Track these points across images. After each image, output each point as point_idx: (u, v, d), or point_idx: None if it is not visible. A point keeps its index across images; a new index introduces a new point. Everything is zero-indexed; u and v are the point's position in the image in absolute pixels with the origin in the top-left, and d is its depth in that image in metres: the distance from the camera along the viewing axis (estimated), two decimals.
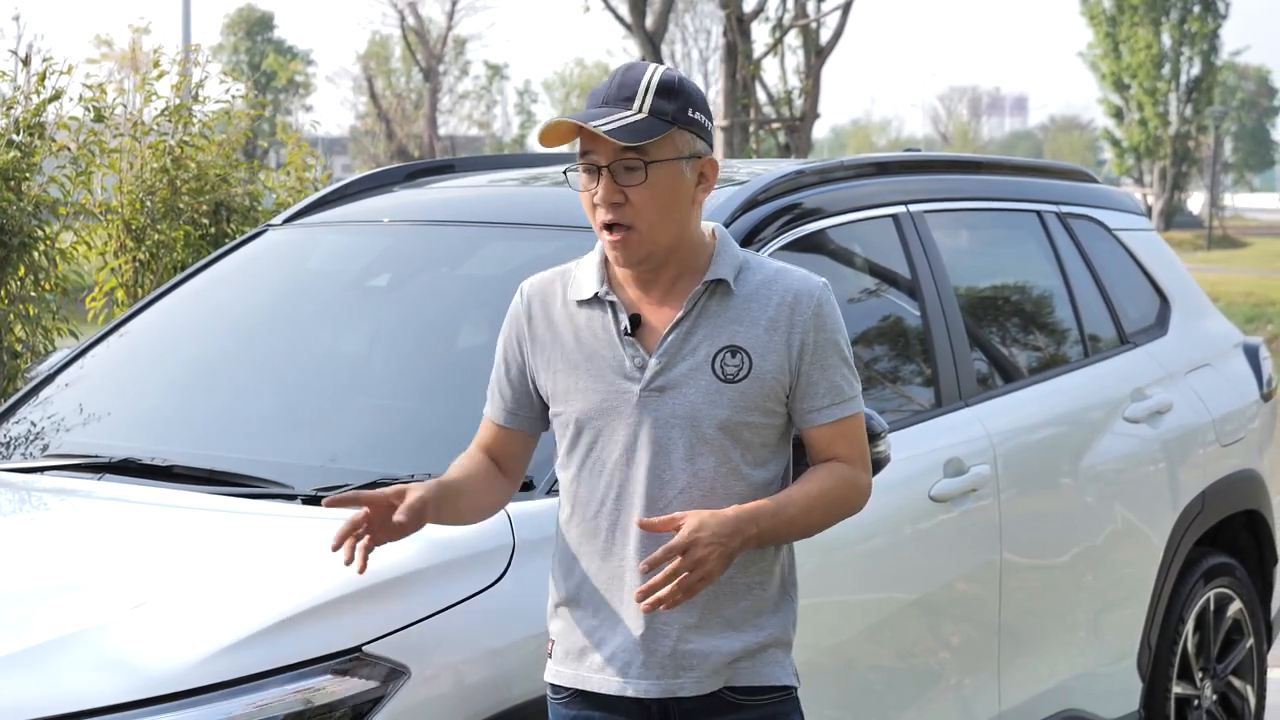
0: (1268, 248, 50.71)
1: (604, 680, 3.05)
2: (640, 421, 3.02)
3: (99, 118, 7.54)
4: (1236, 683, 5.56)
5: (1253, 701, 5.60)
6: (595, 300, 3.09)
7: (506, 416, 3.22)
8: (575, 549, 3.09)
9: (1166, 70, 59.51)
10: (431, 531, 3.45)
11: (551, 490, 3.26)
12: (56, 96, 7.24)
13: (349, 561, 3.02)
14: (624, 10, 21.25)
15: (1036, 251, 5.33)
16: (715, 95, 23.17)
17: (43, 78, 7.24)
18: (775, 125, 20.77)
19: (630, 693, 3.03)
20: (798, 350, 3.04)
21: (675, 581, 2.89)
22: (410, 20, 56.06)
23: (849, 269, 4.64)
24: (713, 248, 3.10)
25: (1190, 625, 5.33)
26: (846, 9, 20.44)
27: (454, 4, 56.19)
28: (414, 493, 3.06)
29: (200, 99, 8.07)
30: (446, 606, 3.27)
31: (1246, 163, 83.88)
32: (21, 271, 7.08)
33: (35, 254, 7.06)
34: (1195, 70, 59.60)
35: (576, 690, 3.09)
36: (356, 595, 3.24)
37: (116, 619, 3.24)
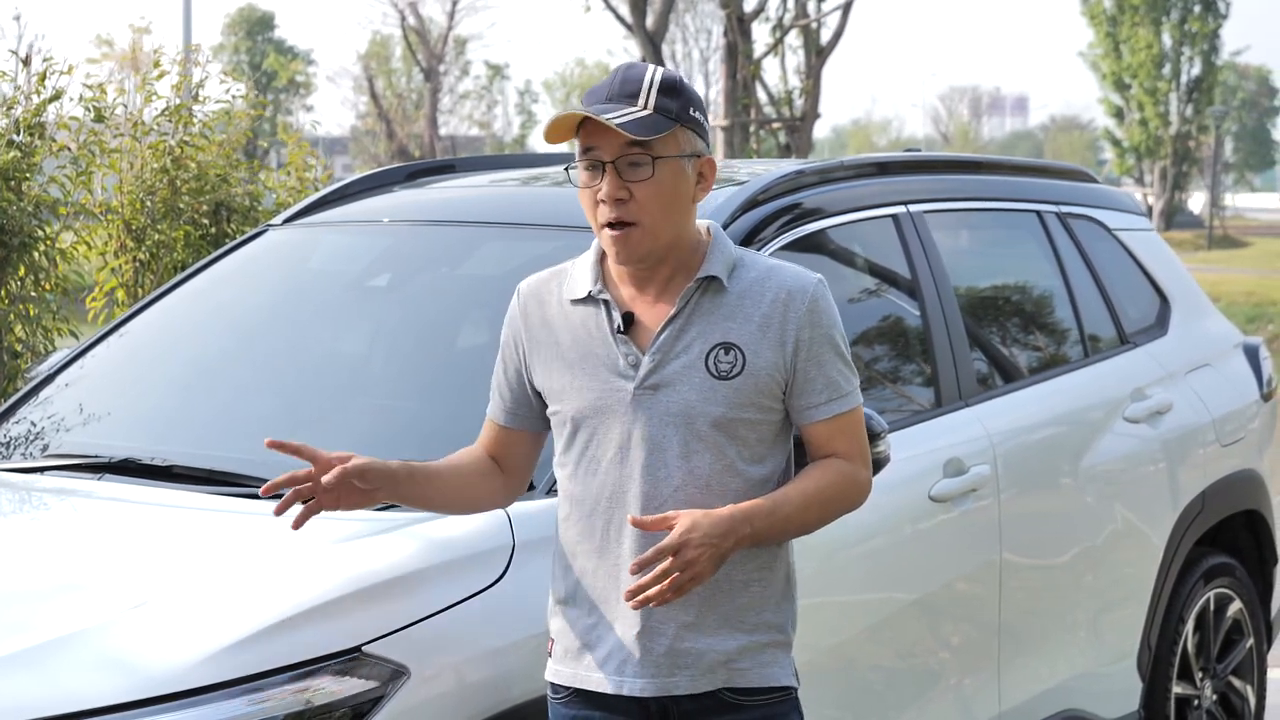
0: (1268, 247, 50.70)
1: (601, 679, 3.05)
2: (635, 419, 3.02)
3: (99, 118, 7.54)
4: (1236, 683, 5.56)
5: (1253, 701, 5.60)
6: (589, 299, 3.10)
7: (507, 416, 3.23)
8: (572, 547, 3.10)
9: (1167, 70, 59.49)
10: (431, 531, 3.46)
11: (551, 490, 3.26)
12: (57, 96, 7.24)
13: (280, 512, 3.06)
14: (624, 10, 21.26)
15: (1036, 251, 5.33)
16: (716, 95, 23.19)
17: (43, 78, 7.24)
18: (776, 125, 20.77)
19: (626, 691, 3.03)
20: (792, 347, 3.04)
21: (665, 582, 2.90)
22: (411, 20, 56.07)
23: (849, 269, 4.64)
24: (707, 245, 3.10)
25: (1190, 625, 5.33)
26: (847, 9, 20.44)
27: (455, 4, 56.20)
28: (360, 460, 3.07)
29: (200, 99, 8.07)
30: (446, 606, 3.28)
31: (1247, 162, 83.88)
32: (21, 271, 7.08)
33: (35, 254, 7.07)
34: (1196, 70, 59.59)
35: (576, 689, 3.09)
36: (356, 595, 3.24)
37: (116, 619, 3.25)
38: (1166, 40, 59.34)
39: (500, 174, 5.17)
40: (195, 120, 7.91)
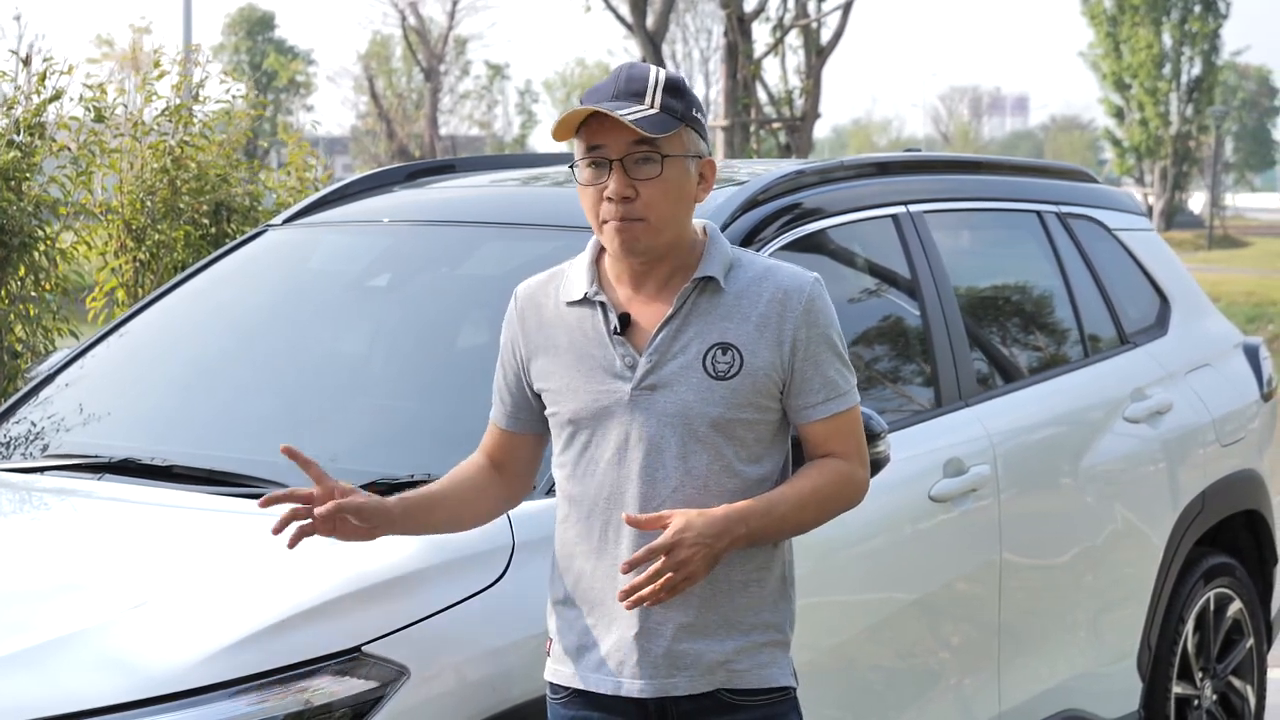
0: (1269, 247, 50.69)
1: (600, 680, 3.05)
2: (632, 420, 3.02)
3: (99, 118, 7.54)
4: (1236, 683, 5.56)
5: (1253, 701, 5.60)
6: (585, 301, 3.10)
7: (508, 420, 3.23)
8: (571, 548, 3.10)
9: (1167, 70, 59.48)
10: None
11: (551, 490, 3.26)
12: (57, 96, 7.24)
13: (277, 531, 3.07)
14: (625, 10, 21.26)
15: (1036, 251, 5.33)
16: (716, 95, 23.19)
17: (43, 78, 7.24)
18: (776, 125, 20.77)
19: (625, 692, 3.03)
20: (789, 346, 3.04)
21: (659, 582, 2.90)
22: (411, 20, 56.07)
23: (849, 269, 4.65)
24: (703, 246, 3.11)
25: (1190, 625, 5.33)
26: (847, 9, 20.44)
27: (455, 4, 56.20)
28: (357, 497, 3.08)
29: (200, 99, 8.07)
30: (446, 606, 3.28)
31: (1247, 162, 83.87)
32: (22, 271, 7.08)
33: (35, 254, 7.07)
34: (1196, 70, 59.58)
35: (574, 690, 3.09)
36: (356, 595, 3.24)
37: (116, 619, 3.25)
38: (1167, 40, 59.33)
39: (500, 174, 5.17)
40: (195, 120, 7.91)
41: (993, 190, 5.30)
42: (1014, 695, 4.64)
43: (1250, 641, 5.61)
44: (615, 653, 3.04)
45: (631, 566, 2.92)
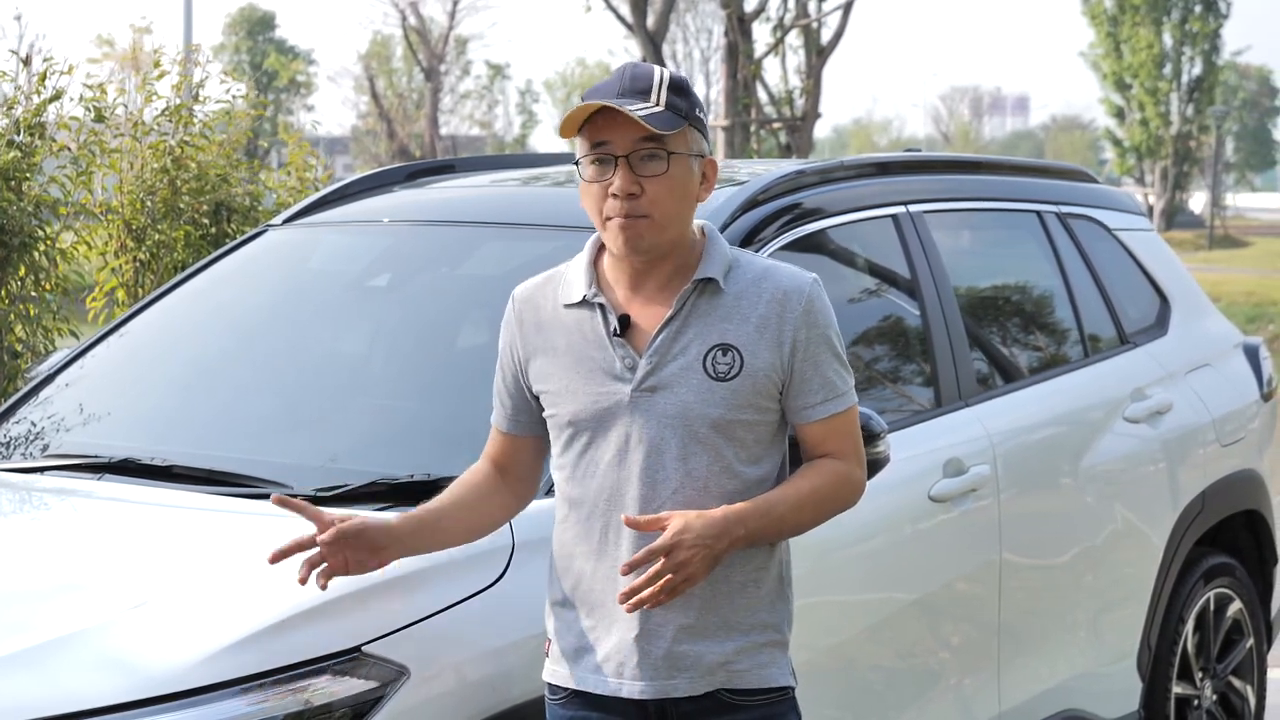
0: (1269, 247, 50.68)
1: (599, 681, 3.05)
2: (632, 422, 3.02)
3: (99, 118, 7.54)
4: (1236, 683, 5.56)
5: (1253, 701, 5.60)
6: (584, 303, 3.09)
7: (509, 423, 3.22)
8: (570, 549, 3.09)
9: (1168, 70, 59.46)
10: None
11: (551, 492, 3.26)
12: (57, 96, 7.25)
13: (303, 580, 3.05)
14: (625, 10, 21.26)
15: (1036, 252, 5.33)
16: (716, 95, 23.20)
17: (43, 78, 7.24)
18: (776, 125, 20.78)
19: (625, 693, 3.03)
20: (789, 347, 3.04)
21: (658, 584, 2.90)
22: (412, 20, 56.06)
23: (849, 269, 4.65)
24: (702, 246, 3.10)
25: (1190, 625, 5.33)
26: (848, 9, 20.44)
27: (455, 4, 56.19)
28: (355, 519, 3.08)
29: (201, 99, 8.07)
30: (446, 606, 3.28)
31: (1248, 162, 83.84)
32: (22, 271, 7.08)
33: (36, 254, 7.07)
34: (1197, 70, 59.56)
35: (573, 690, 3.09)
36: (356, 595, 3.24)
37: (116, 619, 3.25)
38: (1167, 40, 59.31)
39: (500, 174, 5.17)
40: (195, 120, 7.91)
41: (993, 190, 5.30)
42: (1014, 695, 4.64)
43: (1250, 641, 5.61)
44: (615, 654, 3.04)
45: (632, 568, 2.92)
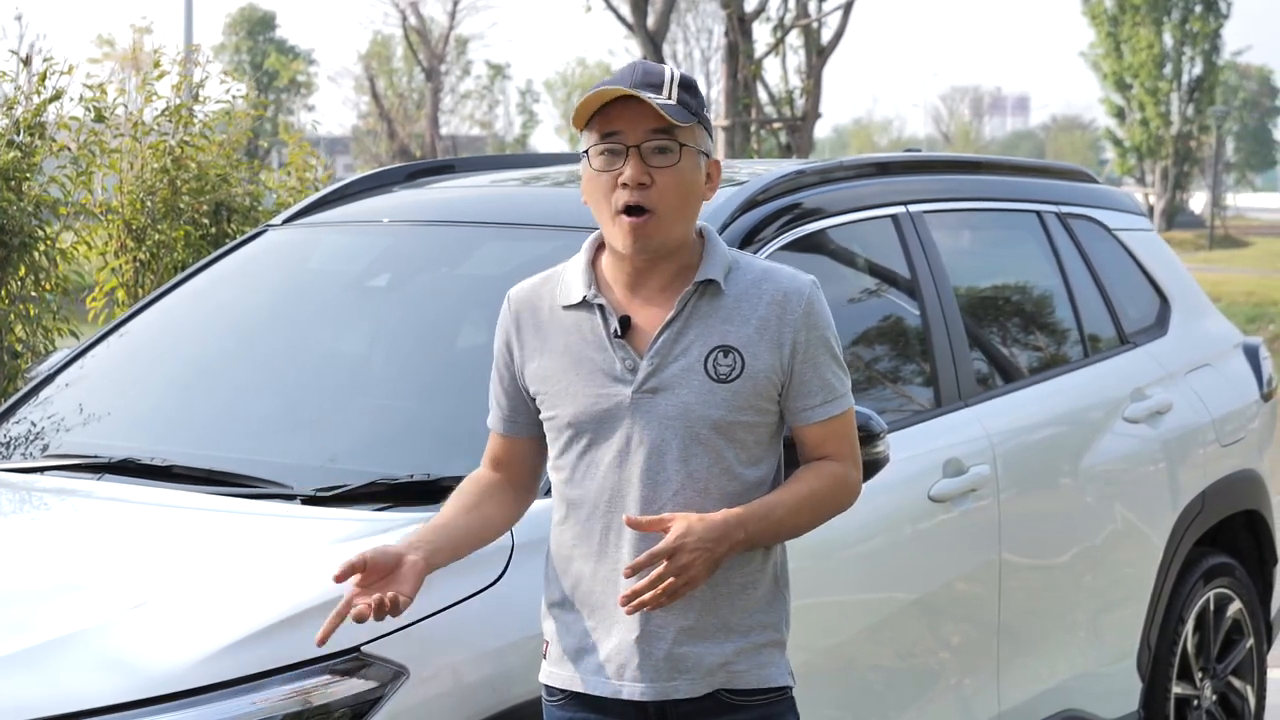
0: (1270, 247, 50.66)
1: (599, 682, 3.05)
2: (633, 424, 3.02)
3: (99, 118, 7.55)
4: (1236, 683, 5.56)
5: (1252, 702, 5.60)
6: (584, 304, 3.09)
7: (508, 425, 3.20)
8: (569, 551, 3.09)
9: (1168, 70, 59.45)
10: None
11: (549, 492, 3.26)
12: (57, 96, 7.25)
13: (375, 616, 2.94)
14: (625, 10, 21.26)
15: (1036, 252, 5.33)
16: (717, 95, 23.20)
17: (43, 78, 7.24)
18: (777, 125, 20.79)
19: (625, 695, 3.03)
20: (789, 349, 3.04)
21: (660, 587, 2.90)
22: (412, 20, 56.04)
23: (849, 269, 4.64)
24: (701, 248, 3.10)
25: (1190, 625, 5.33)
26: (848, 9, 20.45)
27: (456, 4, 56.18)
28: (360, 554, 2.99)
29: (201, 99, 8.08)
30: (445, 607, 3.27)
31: (1248, 162, 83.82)
32: (22, 271, 7.08)
33: (36, 254, 7.07)
34: (1197, 70, 59.55)
35: (571, 692, 3.09)
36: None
37: (116, 619, 3.25)
38: (1168, 40, 59.30)
39: (500, 174, 5.17)
40: (195, 120, 7.91)
41: (992, 190, 5.30)
42: (1013, 695, 4.64)
43: (1250, 641, 5.61)
44: (616, 656, 3.04)
45: (634, 571, 2.92)
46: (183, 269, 7.17)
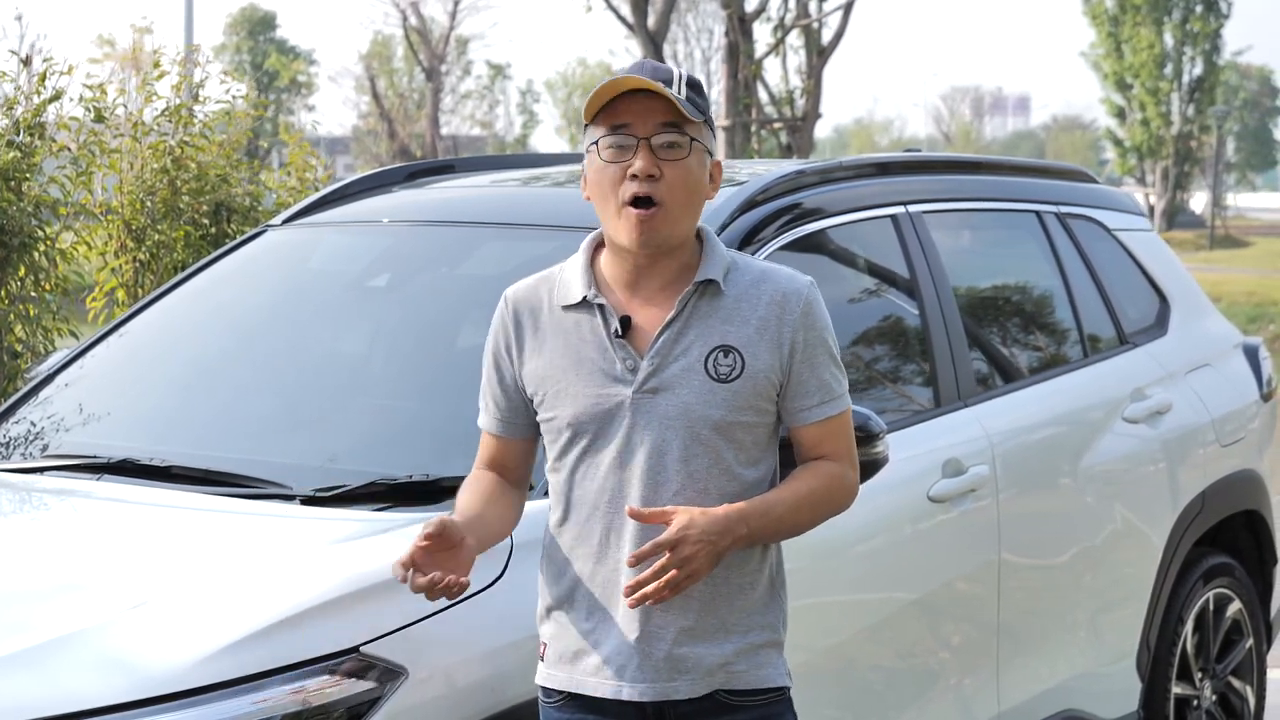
0: (1270, 247, 50.66)
1: (599, 683, 3.04)
2: (634, 424, 3.01)
3: (99, 118, 7.55)
4: (1236, 683, 5.56)
5: (1252, 702, 5.60)
6: (583, 304, 3.08)
7: (504, 426, 3.18)
8: (569, 552, 3.08)
9: (1169, 70, 59.45)
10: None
11: (546, 492, 3.25)
12: (57, 97, 7.25)
13: (430, 595, 2.91)
14: (626, 10, 21.26)
15: (1036, 252, 5.33)
16: (717, 95, 23.20)
17: (43, 78, 7.24)
18: (777, 125, 20.79)
19: (625, 696, 3.03)
20: (789, 349, 3.05)
21: (663, 579, 2.89)
22: (412, 20, 56.03)
23: (848, 269, 4.64)
24: (699, 248, 3.10)
25: (1190, 625, 5.32)
26: (848, 9, 20.45)
27: (456, 4, 56.18)
28: (468, 539, 2.98)
29: (201, 99, 8.08)
30: (444, 607, 3.26)
31: (1249, 162, 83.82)
32: (22, 271, 7.09)
33: (35, 254, 7.07)
34: (1198, 70, 59.55)
35: (569, 693, 3.08)
36: (354, 596, 3.24)
37: (116, 619, 3.25)
38: (1168, 40, 59.30)
39: (500, 174, 5.17)
40: (195, 120, 7.91)
41: (992, 190, 5.30)
42: (1013, 695, 4.64)
43: (1250, 642, 5.61)
44: (615, 656, 3.04)
45: (639, 560, 2.91)
46: (183, 269, 7.17)
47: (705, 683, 3.03)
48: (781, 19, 20.71)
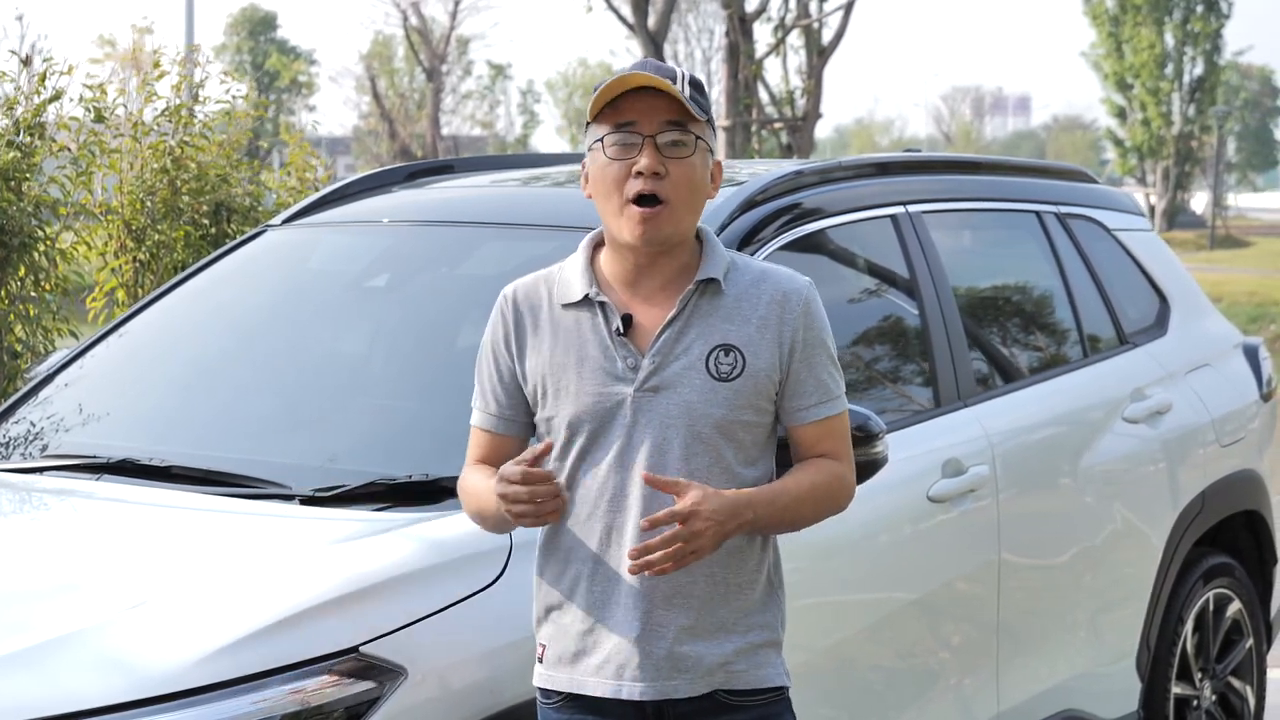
0: (1271, 247, 50.65)
1: (599, 683, 3.04)
2: (635, 423, 3.01)
3: (99, 118, 7.55)
4: (1236, 683, 5.56)
5: (1252, 702, 5.59)
6: (584, 302, 3.08)
7: (503, 424, 3.16)
8: (569, 552, 3.08)
9: (1169, 70, 59.45)
10: (429, 532, 3.46)
11: None
12: (57, 97, 7.25)
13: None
14: (626, 10, 21.26)
15: (1035, 252, 5.33)
16: (718, 95, 23.19)
17: (43, 78, 7.24)
18: (777, 125, 20.80)
19: (625, 695, 3.02)
20: (788, 348, 3.05)
21: (670, 549, 2.89)
22: (413, 20, 56.01)
23: (848, 269, 4.64)
24: (699, 248, 3.11)
25: (1190, 625, 5.32)
26: (849, 9, 20.46)
27: (457, 4, 56.17)
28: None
29: (201, 99, 8.08)
30: (444, 607, 3.27)
31: (1250, 162, 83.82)
32: (22, 271, 7.08)
33: (35, 254, 7.07)
34: (1198, 70, 59.54)
35: (569, 694, 3.08)
36: (354, 596, 3.24)
37: (115, 619, 3.25)
38: (1169, 40, 59.30)
39: (500, 174, 5.17)
40: (195, 120, 7.91)
41: (991, 190, 5.30)
42: (1013, 695, 4.64)
43: (1250, 642, 5.61)
44: (616, 655, 3.03)
45: (651, 525, 2.90)
46: (183, 269, 7.17)
47: (705, 682, 3.03)
48: (782, 19, 20.72)
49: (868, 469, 3.47)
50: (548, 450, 2.96)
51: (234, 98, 8.47)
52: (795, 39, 20.82)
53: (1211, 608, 5.44)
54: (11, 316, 7.01)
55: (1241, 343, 5.99)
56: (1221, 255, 47.09)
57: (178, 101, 7.96)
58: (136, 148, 7.74)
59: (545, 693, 3.12)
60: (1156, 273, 5.74)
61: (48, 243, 7.12)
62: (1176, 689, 5.29)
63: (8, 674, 3.14)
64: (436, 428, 3.99)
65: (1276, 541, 5.82)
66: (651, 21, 21.37)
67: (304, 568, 3.37)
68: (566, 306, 3.09)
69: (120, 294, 7.75)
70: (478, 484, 3.11)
